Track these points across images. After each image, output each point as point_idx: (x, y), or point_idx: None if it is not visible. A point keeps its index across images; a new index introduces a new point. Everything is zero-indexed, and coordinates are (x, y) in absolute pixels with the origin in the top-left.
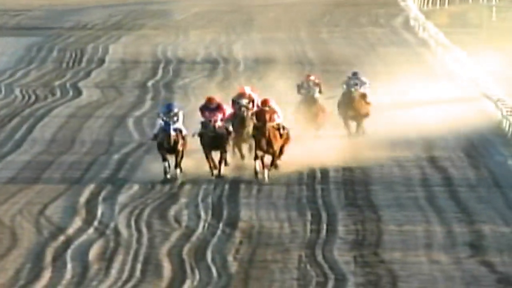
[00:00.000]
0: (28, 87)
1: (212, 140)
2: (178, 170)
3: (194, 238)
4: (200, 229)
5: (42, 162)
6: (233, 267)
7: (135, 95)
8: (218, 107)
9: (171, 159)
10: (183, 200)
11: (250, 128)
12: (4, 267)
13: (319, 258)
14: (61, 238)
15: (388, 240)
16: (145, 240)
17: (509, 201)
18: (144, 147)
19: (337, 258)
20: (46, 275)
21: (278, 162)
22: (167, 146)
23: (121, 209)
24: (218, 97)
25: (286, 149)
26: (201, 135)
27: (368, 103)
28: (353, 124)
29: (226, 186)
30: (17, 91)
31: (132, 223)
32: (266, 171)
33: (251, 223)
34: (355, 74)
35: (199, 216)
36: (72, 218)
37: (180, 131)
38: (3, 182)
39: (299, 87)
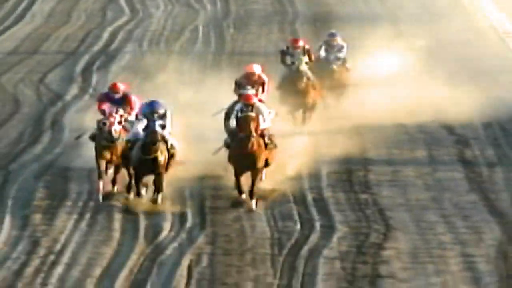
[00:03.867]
0: None
1: (105, 150)
2: (159, 195)
3: None
4: None
5: (42, 34)
6: None
7: None
8: (124, 99)
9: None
10: (171, 66)
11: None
12: (8, 130)
13: None
14: (59, 104)
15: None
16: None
17: None
18: (135, 21)
19: None
20: (46, 138)
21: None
22: (143, 154)
23: (114, 78)
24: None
25: (270, 165)
26: (94, 139)
27: (348, 70)
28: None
29: None
30: None
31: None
32: (253, 201)
33: None
34: (332, 35)
35: None
36: (69, 86)
37: (165, 140)
38: (6, 53)
39: (283, 54)
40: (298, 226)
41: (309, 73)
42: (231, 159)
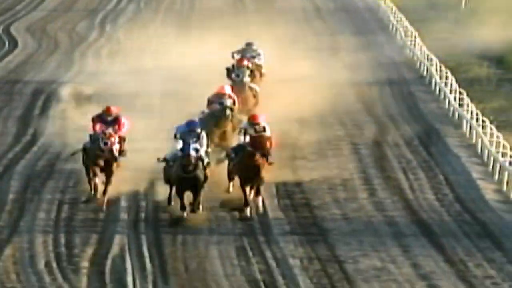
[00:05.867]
0: None
1: (99, 159)
2: (193, 210)
3: None
4: None
5: None
6: None
7: None
8: (116, 120)
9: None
10: (159, 19)
11: (227, 129)
12: (50, 62)
13: None
14: (84, 44)
15: None
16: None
17: None
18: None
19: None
20: (76, 67)
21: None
22: (183, 172)
23: (120, 27)
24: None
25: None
26: (85, 150)
27: (263, 75)
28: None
29: None
30: None
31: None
32: (259, 201)
33: None
34: (249, 44)
35: None
36: (91, 32)
37: (201, 159)
38: (50, 10)
39: (229, 71)
40: None
41: (251, 84)
42: (235, 171)
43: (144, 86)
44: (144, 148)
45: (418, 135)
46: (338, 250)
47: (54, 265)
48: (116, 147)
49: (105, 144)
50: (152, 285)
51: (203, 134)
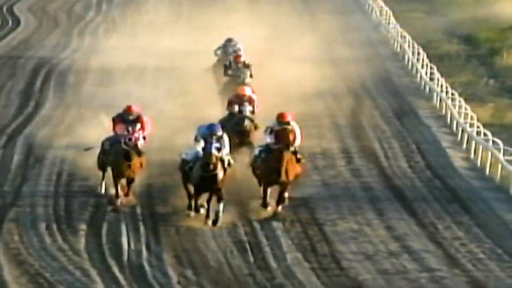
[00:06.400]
0: None
1: (122, 159)
2: (211, 220)
3: None
4: None
5: None
6: None
7: None
8: (138, 119)
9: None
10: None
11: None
12: (52, 38)
13: None
14: (82, 23)
15: None
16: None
17: None
18: None
19: None
20: (74, 43)
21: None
22: (204, 172)
23: (116, 6)
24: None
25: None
26: (104, 152)
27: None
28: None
29: None
30: None
31: (128, 14)
32: (279, 207)
33: None
34: (229, 40)
35: None
36: (88, 11)
37: (222, 161)
38: None
39: (226, 68)
40: None
41: (248, 80)
42: (261, 172)
43: (138, 60)
44: None
45: (392, 107)
46: (318, 214)
47: (55, 227)
48: (140, 143)
49: (129, 139)
50: (145, 246)
51: (225, 136)
